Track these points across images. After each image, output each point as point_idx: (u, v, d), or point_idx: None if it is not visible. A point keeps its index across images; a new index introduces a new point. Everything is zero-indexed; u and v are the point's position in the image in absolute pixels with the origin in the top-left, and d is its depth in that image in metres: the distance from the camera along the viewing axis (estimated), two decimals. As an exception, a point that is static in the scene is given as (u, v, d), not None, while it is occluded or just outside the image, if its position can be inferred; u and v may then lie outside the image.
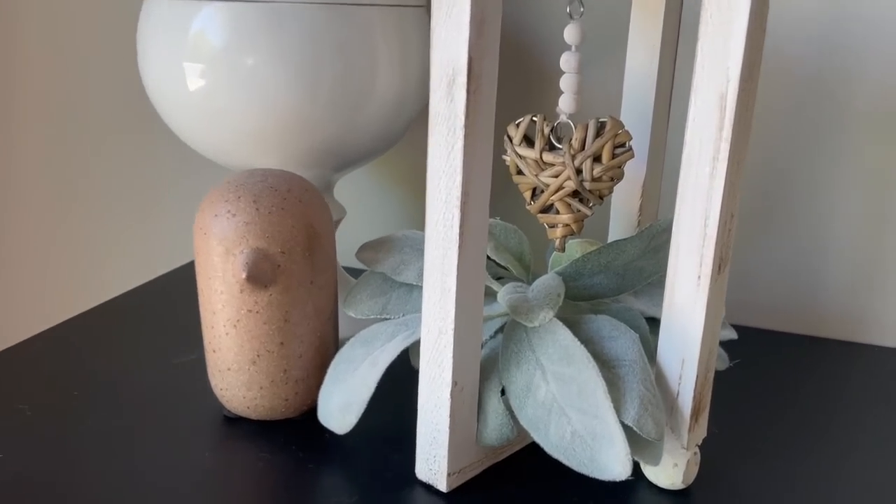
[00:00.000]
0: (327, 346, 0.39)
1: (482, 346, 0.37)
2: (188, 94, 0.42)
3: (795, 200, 0.54)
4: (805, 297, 0.54)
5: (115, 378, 0.44)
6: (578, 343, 0.33)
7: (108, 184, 0.72)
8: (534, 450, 0.35)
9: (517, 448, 0.38)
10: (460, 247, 0.32)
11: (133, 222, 0.72)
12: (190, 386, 0.43)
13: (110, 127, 0.70)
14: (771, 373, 0.48)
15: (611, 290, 0.38)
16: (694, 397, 0.34)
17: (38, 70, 0.71)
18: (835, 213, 0.53)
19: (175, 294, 0.56)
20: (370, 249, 0.42)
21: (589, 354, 0.33)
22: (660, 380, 0.35)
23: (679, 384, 0.34)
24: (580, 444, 0.32)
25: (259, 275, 0.36)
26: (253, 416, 0.39)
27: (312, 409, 0.40)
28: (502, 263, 0.41)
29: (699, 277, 0.33)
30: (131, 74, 0.62)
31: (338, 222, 0.49)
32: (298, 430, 0.39)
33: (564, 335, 0.34)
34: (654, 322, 0.38)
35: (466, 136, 0.30)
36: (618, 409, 0.32)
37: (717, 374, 0.37)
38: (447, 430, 0.34)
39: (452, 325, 0.33)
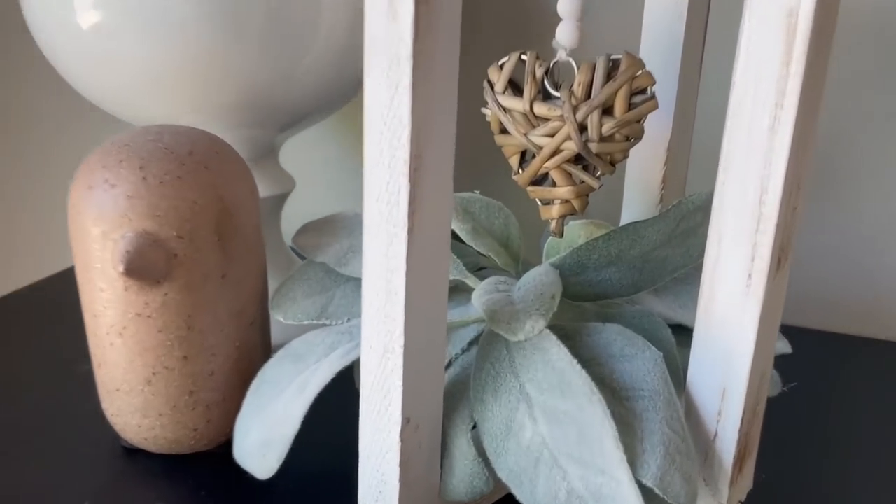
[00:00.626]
0: (251, 361, 0.30)
1: (449, 364, 0.28)
2: (79, 30, 0.32)
3: (857, 175, 0.44)
4: (866, 292, 0.45)
5: (-3, 391, 0.35)
6: (578, 367, 0.24)
7: None
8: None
9: (495, 498, 0.29)
10: (411, 232, 0.22)
11: (12, 194, 0.60)
12: (88, 403, 0.34)
13: None
14: (829, 387, 0.38)
15: (624, 288, 0.29)
16: (738, 440, 0.25)
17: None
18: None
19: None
20: (311, 232, 0.32)
21: (592, 383, 0.24)
22: (691, 415, 0.25)
23: (718, 422, 0.25)
24: (579, 508, 0.23)
25: (144, 267, 0.26)
26: (153, 449, 0.30)
27: (231, 441, 0.30)
28: (483, 251, 0.31)
29: (750, 276, 0.23)
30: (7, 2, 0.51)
31: (284, 197, 0.39)
32: (212, 468, 0.30)
33: (559, 355, 0.25)
34: (681, 330, 0.28)
35: (416, 70, 0.21)
36: (632, 461, 0.23)
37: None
38: (397, 482, 0.25)
39: (402, 342, 0.23)
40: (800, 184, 0.23)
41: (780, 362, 0.32)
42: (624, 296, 0.29)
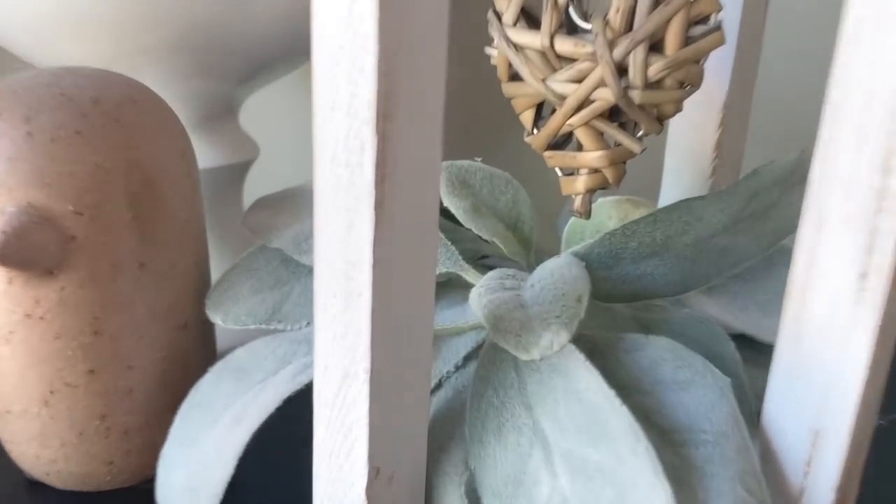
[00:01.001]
0: (185, 375, 0.23)
1: (437, 387, 0.21)
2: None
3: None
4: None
5: None
6: (617, 401, 0.17)
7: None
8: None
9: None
10: (379, 206, 0.15)
11: None
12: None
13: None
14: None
15: (669, 286, 0.22)
16: (836, 499, 0.18)
17: None
18: None
19: None
20: (266, 210, 0.25)
21: (637, 425, 0.17)
22: (768, 466, 0.18)
23: (806, 475, 0.18)
24: None
25: (28, 252, 0.20)
26: (59, 485, 0.24)
27: (162, 475, 0.24)
28: (485, 236, 0.24)
29: (864, 275, 0.16)
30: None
31: (245, 166, 0.32)
32: (134, 511, 0.24)
33: (589, 383, 0.18)
34: (742, 343, 0.22)
35: (384, -39, 0.14)
36: (694, 535, 0.16)
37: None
38: (363, 552, 0.18)
39: (367, 364, 0.16)
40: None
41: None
42: (668, 296, 0.22)
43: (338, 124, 0.15)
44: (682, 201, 0.20)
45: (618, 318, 0.23)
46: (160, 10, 0.26)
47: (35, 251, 0.20)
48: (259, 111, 0.40)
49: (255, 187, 0.34)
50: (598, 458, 0.17)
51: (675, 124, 0.26)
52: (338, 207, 0.16)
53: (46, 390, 0.22)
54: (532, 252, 0.25)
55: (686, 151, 0.26)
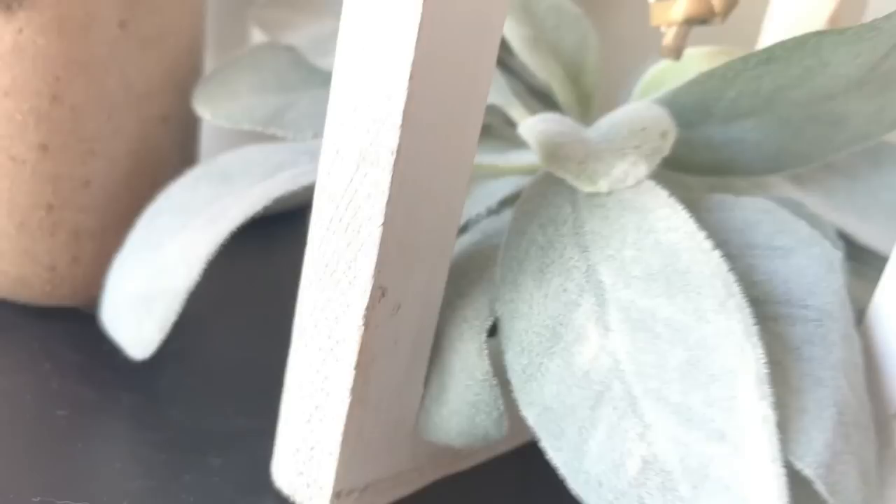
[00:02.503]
0: (154, 175, 0.19)
1: (465, 228, 0.17)
2: None
3: None
4: None
5: None
6: (707, 243, 0.13)
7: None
8: (535, 459, 0.15)
9: (500, 451, 0.19)
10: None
11: None
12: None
13: None
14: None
15: (762, 160, 0.18)
16: (948, 426, 0.14)
17: None
18: None
19: None
20: (282, 4, 0.21)
21: (731, 276, 0.13)
22: (868, 377, 0.15)
23: (917, 391, 0.14)
24: (660, 493, 0.13)
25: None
26: (-10, 290, 0.20)
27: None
28: (542, 75, 0.20)
29: None
30: None
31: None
32: (71, 335, 0.19)
33: (671, 220, 0.14)
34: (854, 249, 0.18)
35: None
36: (782, 425, 0.12)
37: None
38: (347, 393, 0.14)
39: (395, 144, 0.12)
40: None
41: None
42: (756, 174, 0.19)
43: None
44: (808, 35, 0.16)
45: (692, 191, 0.19)
46: None
47: (-12, -32, 0.16)
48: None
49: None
50: (669, 313, 0.13)
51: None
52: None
53: (-14, 162, 0.18)
54: (592, 109, 0.21)
55: (792, 21, 0.21)
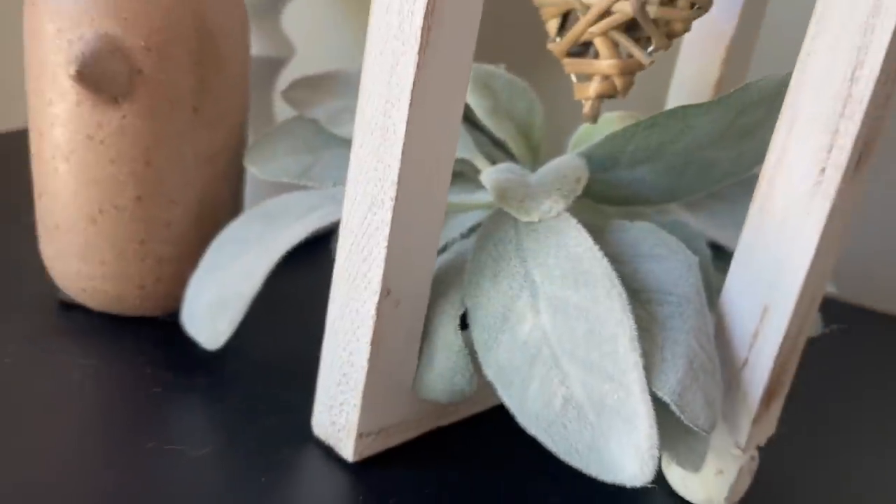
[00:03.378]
0: (215, 218, 0.26)
1: (444, 248, 0.24)
2: None
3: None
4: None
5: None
6: (600, 254, 0.20)
7: None
8: (500, 418, 0.22)
9: (475, 411, 0.25)
10: (423, 51, 0.18)
11: None
12: (26, 255, 0.30)
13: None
14: (864, 362, 0.34)
15: (658, 193, 0.25)
16: (772, 371, 0.21)
17: None
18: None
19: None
20: (305, 87, 0.28)
21: (614, 274, 0.20)
22: (721, 336, 0.21)
23: (751, 347, 0.21)
24: (575, 419, 0.19)
25: (103, 76, 0.22)
26: (92, 303, 0.26)
27: (184, 309, 0.26)
28: (499, 135, 0.27)
29: (823, 170, 0.19)
30: None
31: (279, 62, 0.35)
32: (157, 336, 0.26)
33: (578, 240, 0.20)
34: (718, 255, 0.24)
35: None
36: (648, 368, 0.19)
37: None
38: (365, 364, 0.21)
39: (393, 193, 0.19)
40: (900, 69, 0.19)
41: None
42: (655, 203, 0.25)
43: (397, -23, 0.18)
44: (679, 107, 0.23)
45: (608, 217, 0.25)
46: None
47: (106, 77, 0.22)
48: (297, 19, 0.42)
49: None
50: (576, 300, 0.20)
51: (681, 58, 0.29)
52: (385, 50, 0.19)
53: (95, 209, 0.24)
54: (539, 158, 0.28)
55: (690, 83, 0.29)
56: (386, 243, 0.20)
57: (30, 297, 0.27)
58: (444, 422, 0.24)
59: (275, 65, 0.34)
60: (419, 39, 0.18)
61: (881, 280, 0.41)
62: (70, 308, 0.27)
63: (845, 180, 0.19)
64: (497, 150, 0.28)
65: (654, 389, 0.19)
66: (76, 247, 0.25)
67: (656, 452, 0.19)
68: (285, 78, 0.37)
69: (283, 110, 0.37)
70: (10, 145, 0.42)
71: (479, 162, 0.26)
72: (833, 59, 0.19)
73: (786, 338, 0.20)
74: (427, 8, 0.18)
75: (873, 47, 0.18)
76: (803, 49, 0.19)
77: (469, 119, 0.28)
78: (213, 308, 0.23)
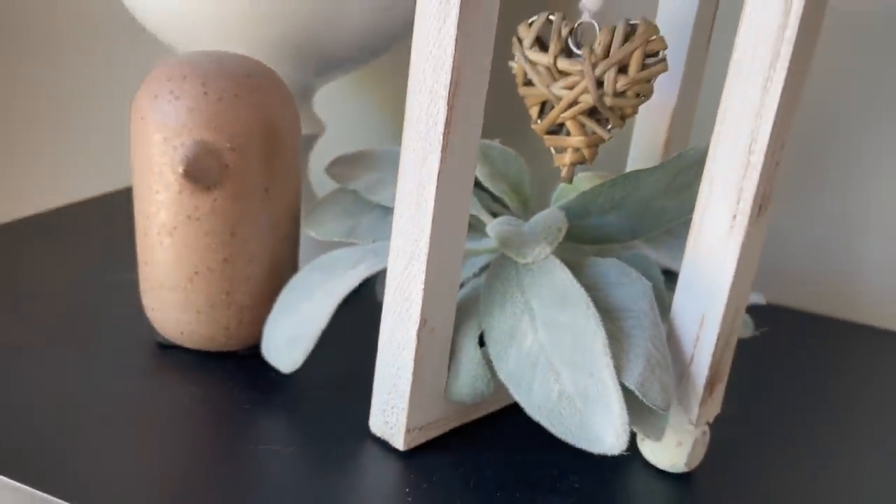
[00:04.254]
0: (282, 270, 0.33)
1: (462, 285, 0.31)
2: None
3: (835, 152, 0.47)
4: (838, 273, 0.48)
5: (36, 293, 0.38)
6: (578, 285, 0.27)
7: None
8: (514, 413, 0.29)
9: (494, 409, 0.32)
10: (444, 150, 0.26)
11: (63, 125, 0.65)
12: (123, 307, 0.37)
13: None
14: (794, 355, 0.42)
15: (623, 233, 0.32)
16: (711, 364, 0.28)
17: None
18: (881, 173, 0.47)
19: (121, 212, 0.50)
20: (344, 163, 0.35)
21: (589, 299, 0.27)
22: (672, 340, 0.29)
23: (695, 347, 0.28)
24: (568, 407, 0.27)
25: (201, 172, 0.30)
26: (188, 344, 0.33)
27: (260, 345, 0.34)
28: (497, 194, 0.35)
29: (734, 217, 0.26)
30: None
31: (313, 138, 0.42)
32: (240, 365, 0.33)
33: (562, 275, 0.28)
34: (670, 276, 0.32)
35: (463, 6, 0.24)
36: (618, 367, 0.26)
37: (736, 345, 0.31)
38: (410, 376, 0.28)
39: (426, 250, 0.27)
40: (783, 142, 0.27)
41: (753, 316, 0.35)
42: (622, 241, 0.33)
43: (423, 98, 0.26)
44: (633, 171, 0.30)
45: (585, 253, 0.33)
46: (272, 14, 0.36)
47: (203, 172, 0.30)
48: (325, 102, 0.50)
49: (318, 158, 0.44)
50: (563, 318, 0.27)
51: (638, 125, 0.36)
52: (417, 149, 0.26)
53: (192, 272, 0.32)
54: (529, 210, 0.35)
55: (644, 144, 0.36)
56: (423, 286, 0.27)
57: (134, 342, 0.35)
58: (471, 418, 0.31)
59: (309, 140, 0.42)
60: (441, 142, 0.25)
61: (803, 284, 0.49)
62: (167, 348, 0.34)
63: (751, 223, 0.26)
64: (496, 204, 0.36)
65: (623, 381, 0.26)
66: (176, 302, 0.32)
67: (628, 428, 0.26)
68: (319, 152, 0.44)
69: (316, 177, 0.44)
70: (98, 209, 0.49)
71: (484, 216, 0.33)
72: (736, 138, 0.26)
73: (719, 338, 0.28)
74: (446, 119, 0.25)
75: (762, 129, 0.26)
76: (714, 131, 0.27)
77: (474, 182, 0.35)
78: (289, 342, 0.31)
